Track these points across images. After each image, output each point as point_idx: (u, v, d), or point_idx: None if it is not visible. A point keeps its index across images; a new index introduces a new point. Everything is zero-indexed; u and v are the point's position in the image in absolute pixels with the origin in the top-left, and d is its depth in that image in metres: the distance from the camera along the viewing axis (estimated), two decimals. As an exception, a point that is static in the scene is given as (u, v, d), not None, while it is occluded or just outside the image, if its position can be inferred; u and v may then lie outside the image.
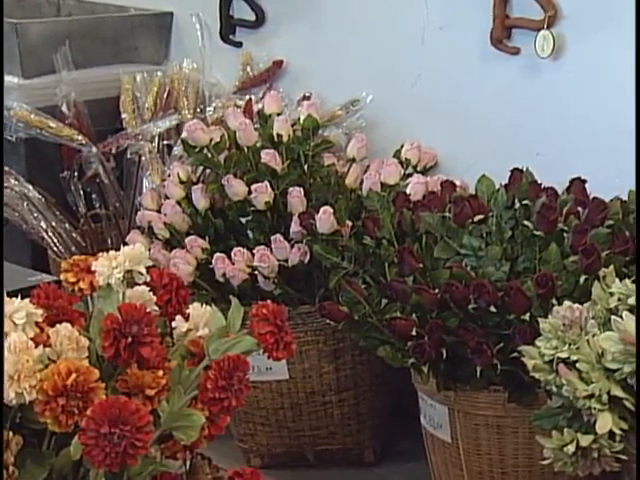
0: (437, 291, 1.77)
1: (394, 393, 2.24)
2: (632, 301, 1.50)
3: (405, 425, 2.16)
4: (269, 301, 1.31)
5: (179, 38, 2.72)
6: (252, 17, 2.56)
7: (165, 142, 2.47)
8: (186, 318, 1.37)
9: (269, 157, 2.16)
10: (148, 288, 1.34)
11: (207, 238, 2.16)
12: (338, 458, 2.24)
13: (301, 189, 2.11)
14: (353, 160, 2.22)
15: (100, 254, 1.35)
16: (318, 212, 2.04)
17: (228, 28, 2.61)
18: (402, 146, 2.25)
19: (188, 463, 1.33)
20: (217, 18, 2.60)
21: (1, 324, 1.22)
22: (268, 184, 2.12)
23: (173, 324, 1.37)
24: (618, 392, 1.43)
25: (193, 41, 2.58)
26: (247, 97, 2.45)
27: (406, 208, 1.96)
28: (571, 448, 1.44)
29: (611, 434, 1.43)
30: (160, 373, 1.24)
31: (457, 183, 2.03)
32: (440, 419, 1.88)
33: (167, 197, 2.25)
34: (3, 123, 2.41)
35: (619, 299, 1.52)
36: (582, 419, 1.46)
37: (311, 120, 2.20)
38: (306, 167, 2.19)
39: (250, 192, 2.12)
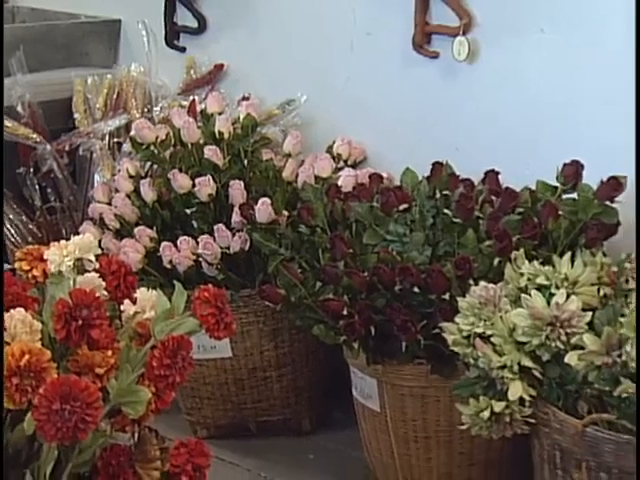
0: (366, 274, 1.77)
1: (328, 368, 2.24)
2: (540, 280, 1.52)
3: (338, 397, 2.17)
4: (211, 286, 1.30)
5: (127, 43, 2.69)
6: (195, 24, 2.54)
7: (115, 140, 2.44)
8: (134, 302, 1.36)
9: (211, 153, 2.14)
10: (98, 275, 1.32)
11: (155, 228, 2.14)
12: (278, 428, 2.24)
13: (241, 182, 2.10)
14: (289, 155, 2.22)
15: (53, 244, 1.33)
16: (257, 203, 2.03)
17: (172, 34, 2.58)
18: (334, 142, 2.25)
19: (136, 435, 1.32)
20: (162, 25, 2.57)
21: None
22: (211, 178, 2.10)
23: (121, 307, 1.36)
24: (527, 362, 1.45)
25: (140, 46, 2.55)
26: (191, 98, 2.43)
27: (338, 199, 1.97)
28: (486, 414, 1.46)
29: (521, 400, 1.45)
30: (109, 353, 1.23)
31: (384, 175, 2.05)
32: (370, 390, 1.88)
33: (117, 190, 2.22)
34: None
35: (528, 279, 1.54)
36: (496, 387, 1.47)
37: (250, 119, 2.20)
38: (246, 162, 2.18)
39: (194, 185, 2.11)
